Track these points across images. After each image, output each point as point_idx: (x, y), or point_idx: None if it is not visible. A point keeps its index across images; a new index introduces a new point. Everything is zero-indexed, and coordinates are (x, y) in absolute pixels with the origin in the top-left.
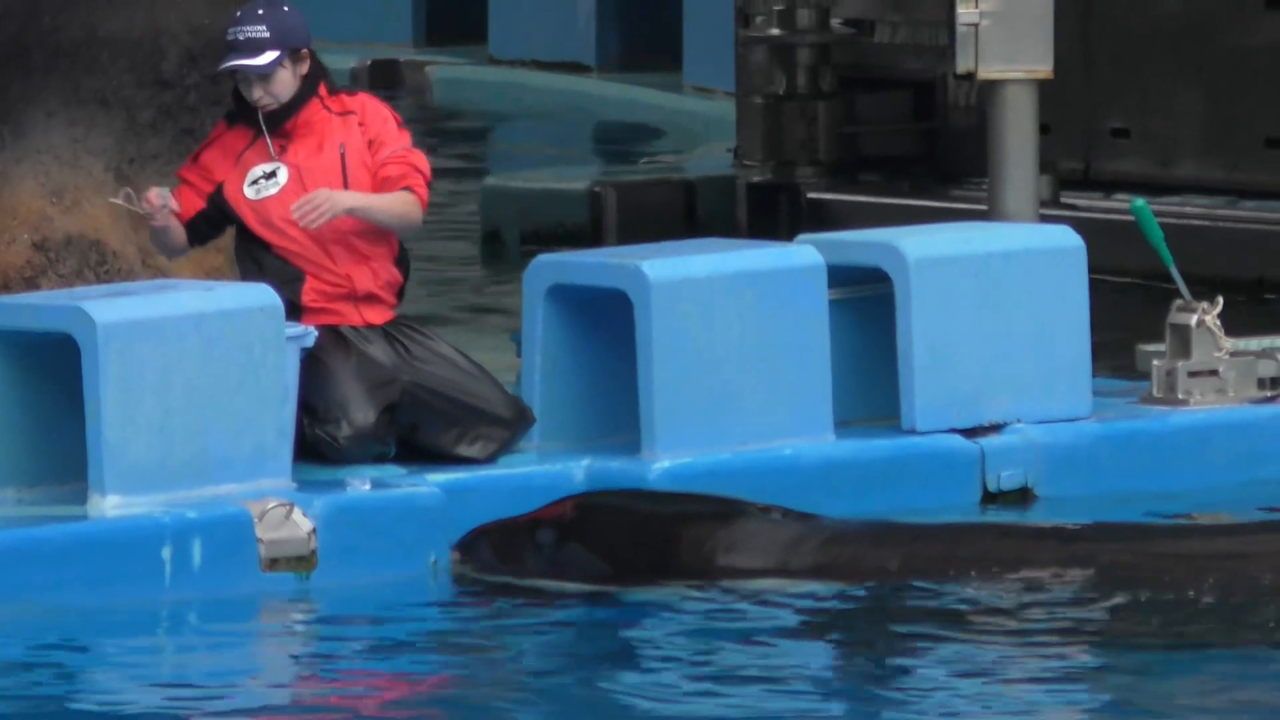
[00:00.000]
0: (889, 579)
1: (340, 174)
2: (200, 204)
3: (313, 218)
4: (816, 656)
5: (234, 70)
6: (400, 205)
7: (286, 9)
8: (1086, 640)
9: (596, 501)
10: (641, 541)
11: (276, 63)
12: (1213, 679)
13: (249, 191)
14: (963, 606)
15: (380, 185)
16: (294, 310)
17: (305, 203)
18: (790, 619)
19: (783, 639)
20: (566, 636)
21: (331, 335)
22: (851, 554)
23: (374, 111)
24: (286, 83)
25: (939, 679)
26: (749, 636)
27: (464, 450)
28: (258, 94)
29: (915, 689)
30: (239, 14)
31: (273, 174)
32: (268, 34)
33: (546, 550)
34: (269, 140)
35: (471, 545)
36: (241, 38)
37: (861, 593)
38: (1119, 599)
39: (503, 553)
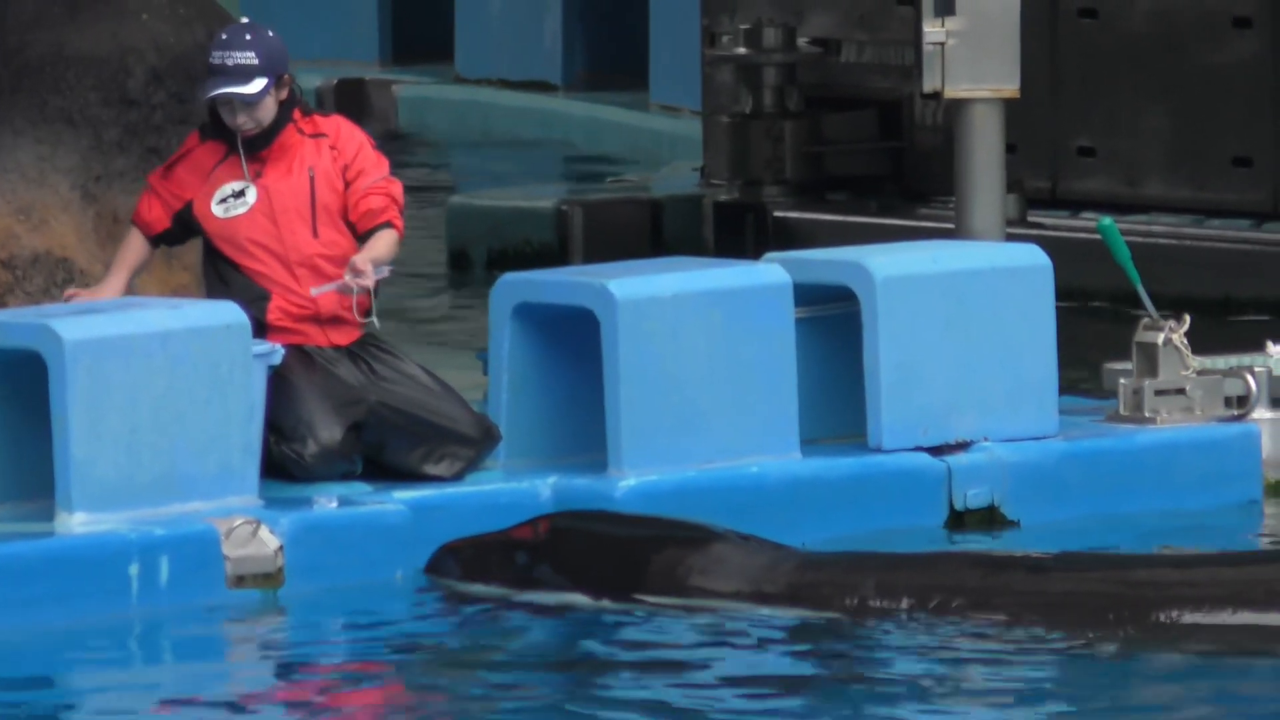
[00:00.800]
0: (863, 605)
1: (309, 197)
2: (166, 223)
3: (366, 284)
4: (794, 667)
5: (222, 98)
6: (389, 247)
7: (271, 34)
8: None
9: (568, 522)
10: (613, 563)
11: (265, 91)
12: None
13: (217, 210)
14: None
15: (361, 217)
16: (260, 329)
17: (359, 276)
18: (767, 632)
19: (758, 651)
20: (536, 651)
21: (298, 354)
22: (826, 579)
23: (348, 136)
24: (269, 108)
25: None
26: (724, 643)
27: (430, 469)
28: (241, 120)
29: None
30: (225, 36)
31: (241, 193)
32: (257, 61)
33: (517, 569)
34: (244, 163)
35: (441, 562)
36: (230, 63)
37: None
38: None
39: (472, 570)
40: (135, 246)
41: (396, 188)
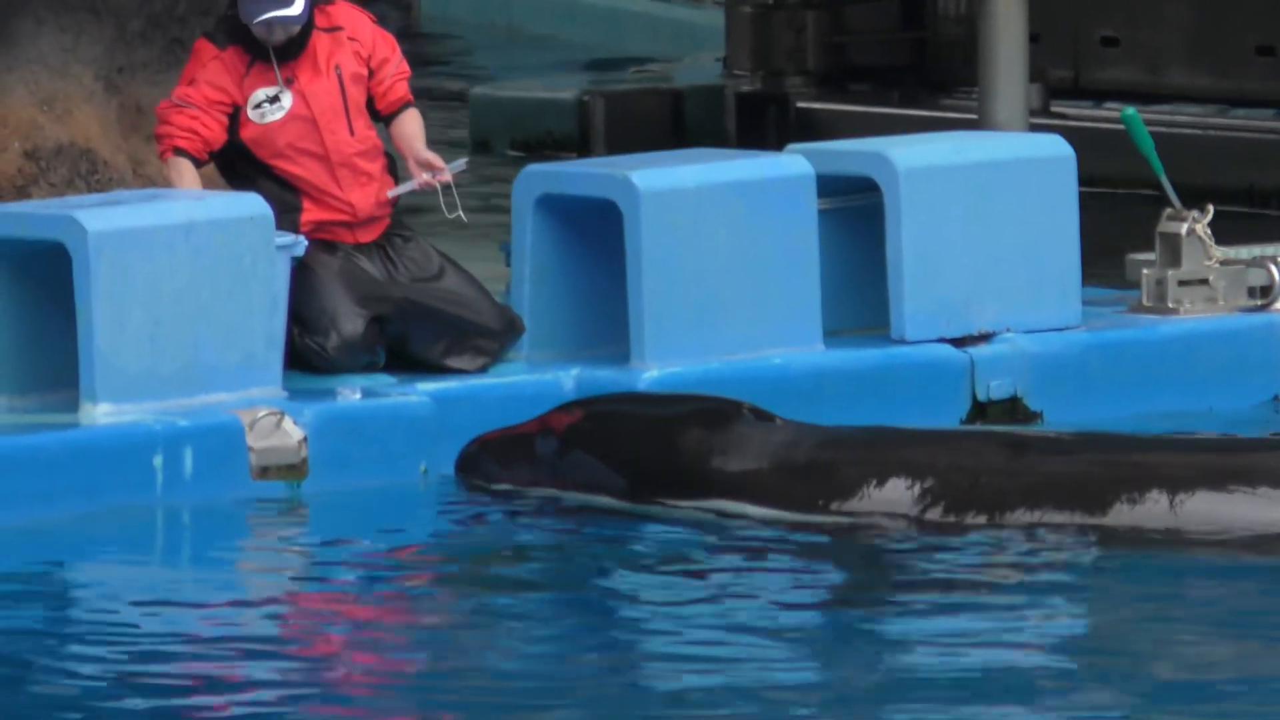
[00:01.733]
0: (880, 478)
1: (340, 95)
2: (224, 135)
3: (446, 179)
4: (810, 618)
5: (272, 22)
6: (422, 127)
7: None
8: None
9: (598, 408)
10: (643, 448)
11: (307, 9)
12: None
13: (253, 115)
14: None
15: (393, 105)
16: (291, 221)
17: (434, 173)
18: (784, 580)
19: (778, 600)
20: (561, 554)
21: (322, 246)
22: (846, 456)
23: (360, 23)
24: (303, 19)
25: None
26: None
27: (454, 361)
28: (279, 36)
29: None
30: None
31: (276, 98)
32: None
33: (548, 458)
34: (278, 71)
35: (473, 455)
36: None
37: (860, 548)
38: (1117, 554)
39: (504, 460)
40: (191, 178)
41: (406, 65)
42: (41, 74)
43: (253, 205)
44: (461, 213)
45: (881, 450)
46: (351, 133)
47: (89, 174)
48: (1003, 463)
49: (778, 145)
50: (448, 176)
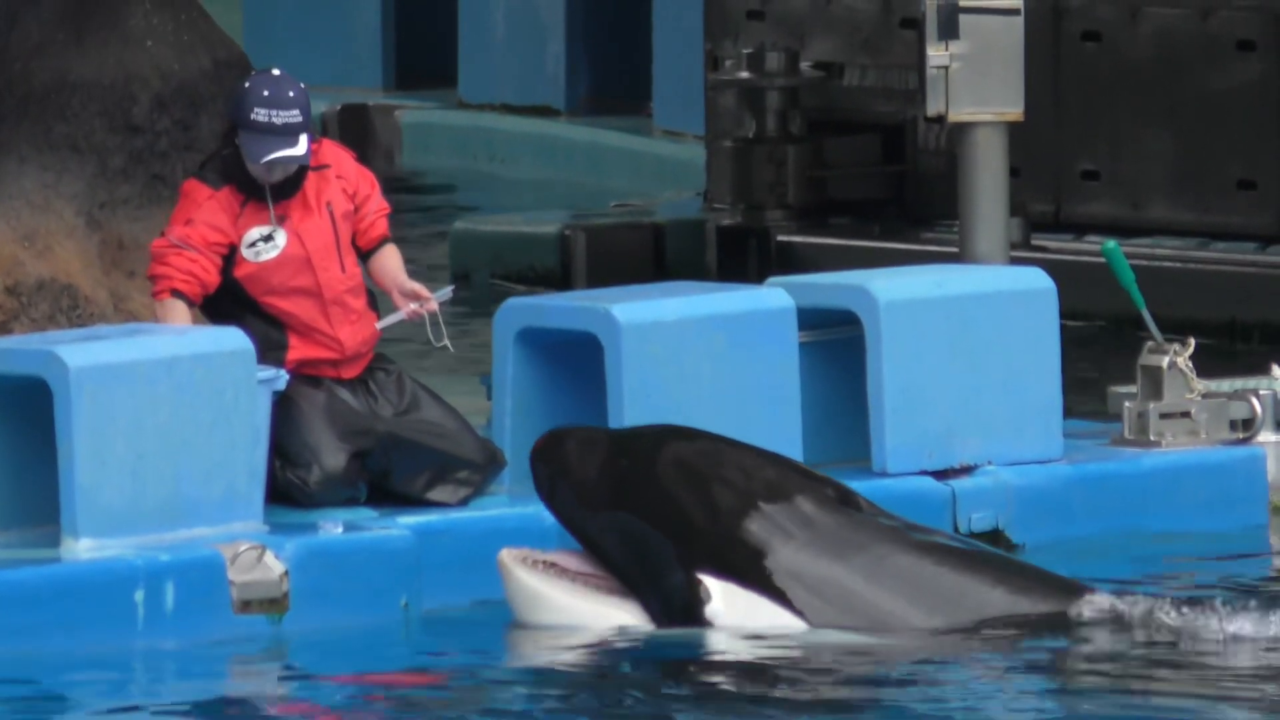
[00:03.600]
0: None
1: (332, 233)
2: (218, 277)
3: (432, 308)
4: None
5: (278, 163)
6: (401, 261)
7: (301, 85)
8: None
9: (680, 439)
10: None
11: (309, 147)
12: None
13: (248, 254)
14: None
15: (373, 241)
16: (278, 358)
17: (419, 303)
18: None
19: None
20: (537, 683)
21: (305, 380)
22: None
23: (344, 160)
24: (307, 159)
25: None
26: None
27: (436, 495)
28: (278, 175)
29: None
30: (267, 93)
31: (270, 237)
32: (301, 118)
33: (618, 471)
34: (272, 209)
35: (549, 447)
36: (279, 122)
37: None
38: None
39: (577, 461)
40: (184, 321)
41: (385, 202)
42: (23, 210)
43: (234, 340)
44: (449, 342)
45: None
46: (343, 270)
47: (70, 309)
48: None
49: (758, 278)
50: (434, 305)
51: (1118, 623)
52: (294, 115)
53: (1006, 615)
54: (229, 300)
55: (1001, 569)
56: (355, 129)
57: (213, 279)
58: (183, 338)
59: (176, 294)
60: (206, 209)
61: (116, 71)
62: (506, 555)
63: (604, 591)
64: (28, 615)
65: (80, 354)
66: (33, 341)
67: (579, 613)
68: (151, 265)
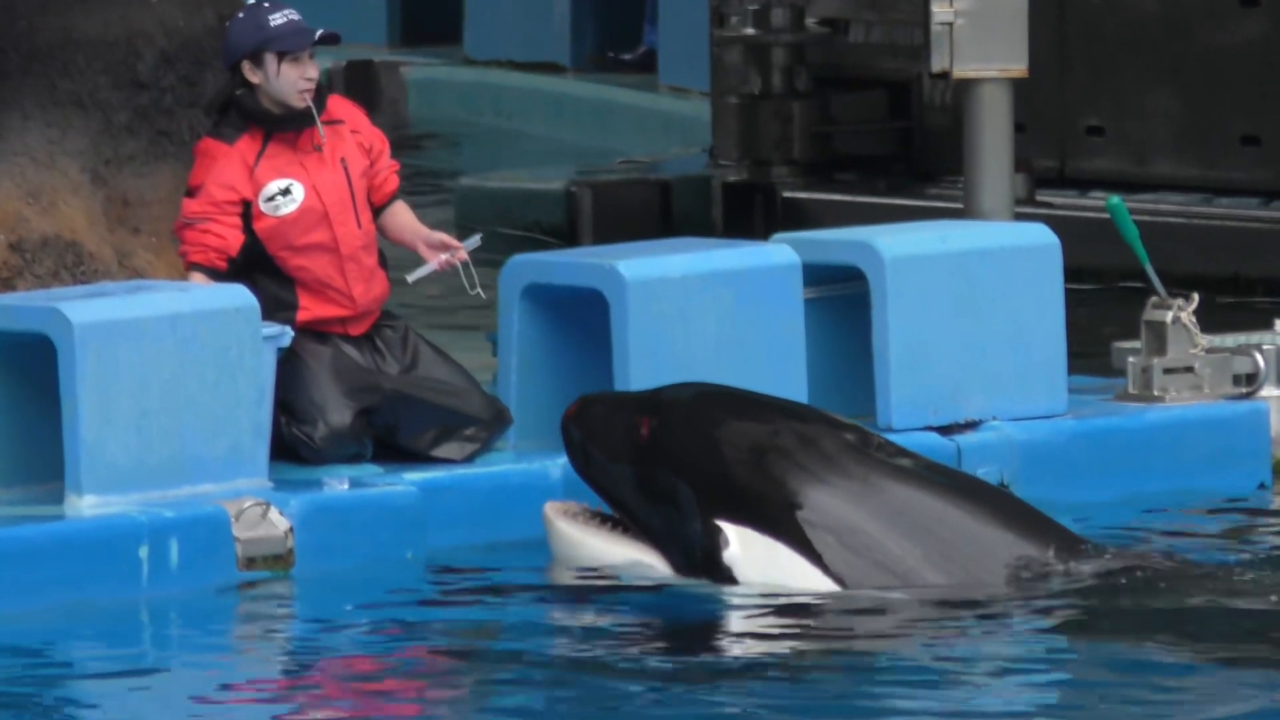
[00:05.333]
0: None
1: (348, 187)
2: (240, 234)
3: (463, 257)
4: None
5: (311, 41)
6: (413, 215)
7: None
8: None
9: (704, 394)
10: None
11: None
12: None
13: (266, 208)
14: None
15: (385, 196)
16: (288, 317)
17: (450, 252)
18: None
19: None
20: (538, 639)
21: (312, 336)
22: None
23: (358, 117)
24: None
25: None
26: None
27: (442, 451)
28: (311, 75)
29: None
30: (266, 3)
31: (287, 190)
32: (300, 16)
33: (645, 429)
34: (320, 128)
35: (580, 412)
36: (297, 17)
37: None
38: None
39: (606, 423)
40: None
41: (394, 160)
42: (28, 166)
43: (238, 296)
44: (481, 289)
45: None
46: (359, 225)
47: (74, 266)
48: None
49: (764, 234)
50: (465, 254)
51: (1125, 576)
52: (298, 14)
53: (1020, 564)
54: (242, 257)
55: (1018, 516)
56: (361, 85)
57: (233, 240)
58: (187, 294)
59: (195, 266)
60: (221, 166)
61: (121, 28)
62: (549, 508)
63: (637, 539)
64: (32, 572)
65: (85, 311)
66: (37, 298)
67: (613, 556)
68: (180, 246)
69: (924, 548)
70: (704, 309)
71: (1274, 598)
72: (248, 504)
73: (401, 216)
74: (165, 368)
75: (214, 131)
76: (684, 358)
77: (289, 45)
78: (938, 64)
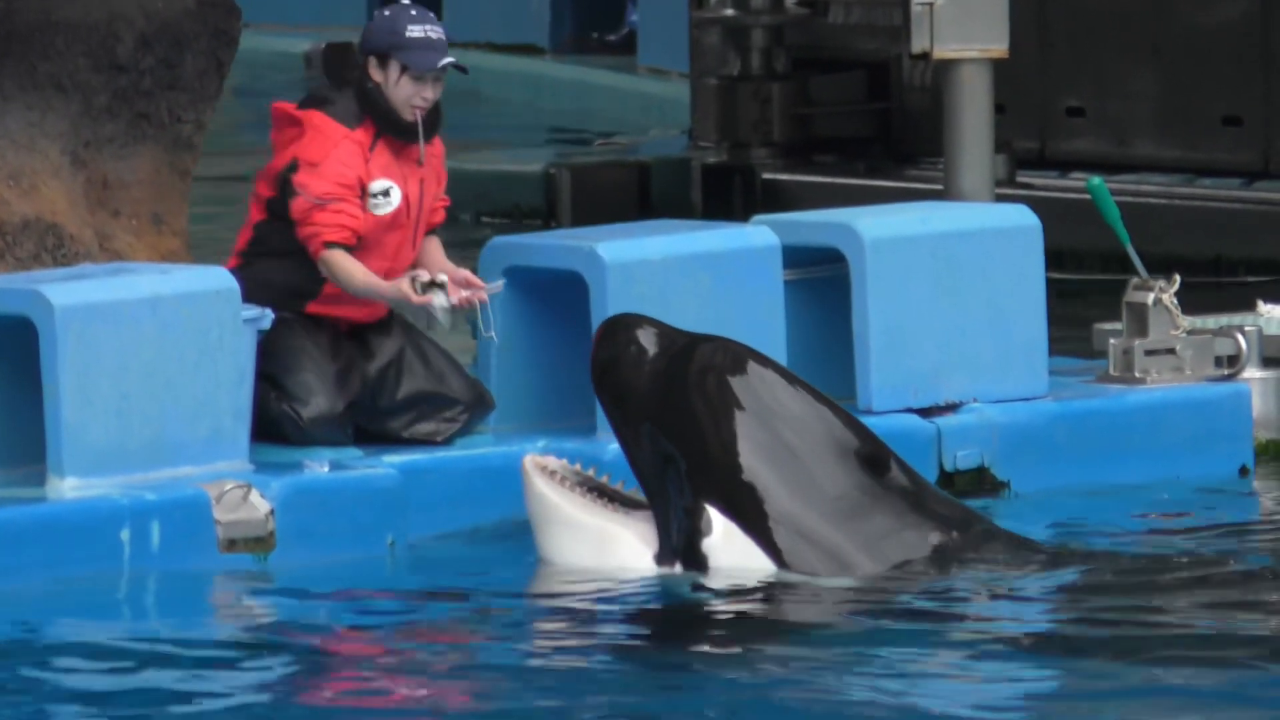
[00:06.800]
0: None
1: (420, 208)
2: (364, 219)
3: (483, 297)
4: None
5: (443, 69)
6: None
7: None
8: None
9: (734, 362)
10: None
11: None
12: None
13: (369, 204)
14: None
15: (430, 227)
16: (287, 303)
17: (472, 290)
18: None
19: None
20: (528, 625)
21: (311, 320)
22: None
23: (440, 147)
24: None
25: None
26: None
27: (420, 430)
28: (430, 94)
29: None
30: (414, 13)
31: (387, 192)
32: (442, 34)
33: (666, 377)
34: (423, 146)
35: (611, 332)
36: (434, 35)
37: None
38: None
39: (633, 357)
40: (352, 263)
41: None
42: (7, 149)
43: (219, 279)
44: (494, 333)
45: None
46: (414, 246)
47: (55, 249)
48: None
49: (743, 216)
50: (485, 295)
51: (1096, 584)
52: (439, 30)
53: (1005, 582)
54: (288, 234)
55: (1012, 549)
56: (339, 67)
57: (361, 222)
58: (167, 276)
59: (333, 245)
60: (345, 150)
61: (100, 10)
62: (529, 462)
63: (611, 509)
64: (13, 555)
65: (65, 293)
66: (17, 281)
67: (585, 526)
68: (299, 228)
69: (902, 577)
70: (684, 291)
71: (1254, 582)
72: (229, 486)
73: (434, 248)
74: (146, 350)
75: (327, 108)
76: None
77: (413, 61)
78: (918, 44)
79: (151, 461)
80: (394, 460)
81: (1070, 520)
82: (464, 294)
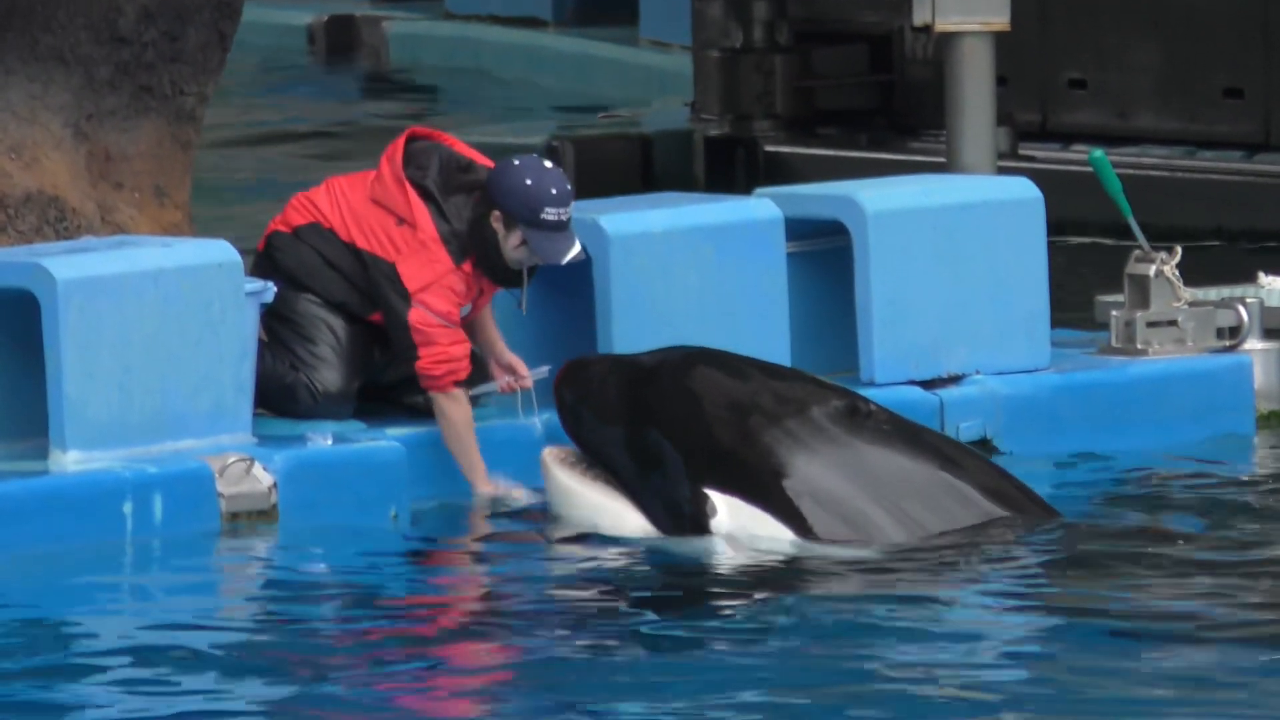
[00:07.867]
0: None
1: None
2: None
3: (526, 385)
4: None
5: (555, 261)
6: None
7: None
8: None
9: (695, 360)
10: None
11: None
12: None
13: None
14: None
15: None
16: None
17: (515, 378)
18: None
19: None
20: (529, 595)
21: (335, 304)
22: None
23: None
24: None
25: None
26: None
27: (424, 403)
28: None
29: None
30: (554, 191)
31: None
32: (571, 206)
33: (635, 392)
34: (525, 295)
35: (571, 374)
36: (566, 218)
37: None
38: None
39: (598, 386)
40: (467, 410)
41: None
42: (10, 122)
43: (221, 252)
44: (538, 419)
45: None
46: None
47: (57, 222)
48: None
49: (746, 189)
50: (529, 383)
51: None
52: (571, 201)
53: (1003, 530)
54: (341, 249)
55: (999, 484)
56: (342, 40)
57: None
58: (169, 250)
59: (460, 384)
60: (455, 280)
61: None
62: (548, 454)
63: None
64: (16, 528)
65: (68, 266)
66: (20, 254)
67: (605, 509)
68: (426, 348)
69: (907, 515)
70: (686, 264)
71: (1255, 553)
72: (231, 459)
73: (488, 325)
74: (148, 323)
75: (438, 223)
76: (667, 312)
77: (543, 252)
78: (920, 17)
79: (154, 435)
80: (397, 433)
81: (1072, 489)
82: (508, 379)
